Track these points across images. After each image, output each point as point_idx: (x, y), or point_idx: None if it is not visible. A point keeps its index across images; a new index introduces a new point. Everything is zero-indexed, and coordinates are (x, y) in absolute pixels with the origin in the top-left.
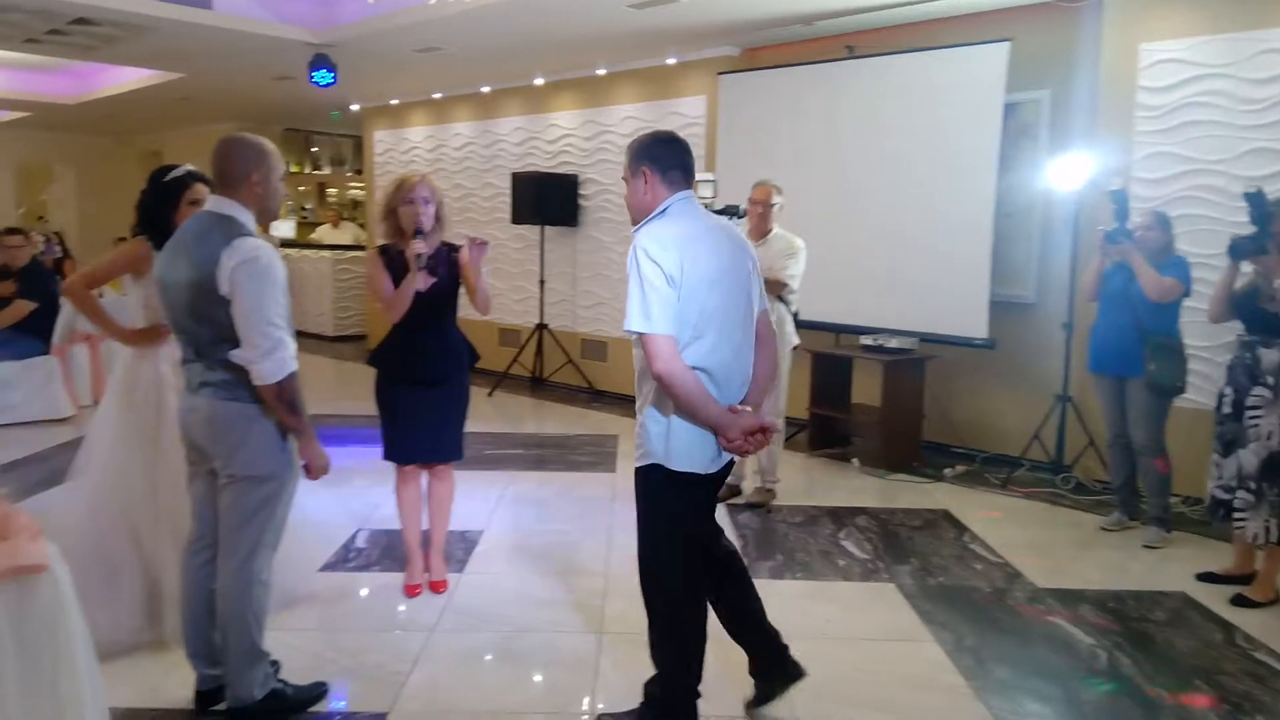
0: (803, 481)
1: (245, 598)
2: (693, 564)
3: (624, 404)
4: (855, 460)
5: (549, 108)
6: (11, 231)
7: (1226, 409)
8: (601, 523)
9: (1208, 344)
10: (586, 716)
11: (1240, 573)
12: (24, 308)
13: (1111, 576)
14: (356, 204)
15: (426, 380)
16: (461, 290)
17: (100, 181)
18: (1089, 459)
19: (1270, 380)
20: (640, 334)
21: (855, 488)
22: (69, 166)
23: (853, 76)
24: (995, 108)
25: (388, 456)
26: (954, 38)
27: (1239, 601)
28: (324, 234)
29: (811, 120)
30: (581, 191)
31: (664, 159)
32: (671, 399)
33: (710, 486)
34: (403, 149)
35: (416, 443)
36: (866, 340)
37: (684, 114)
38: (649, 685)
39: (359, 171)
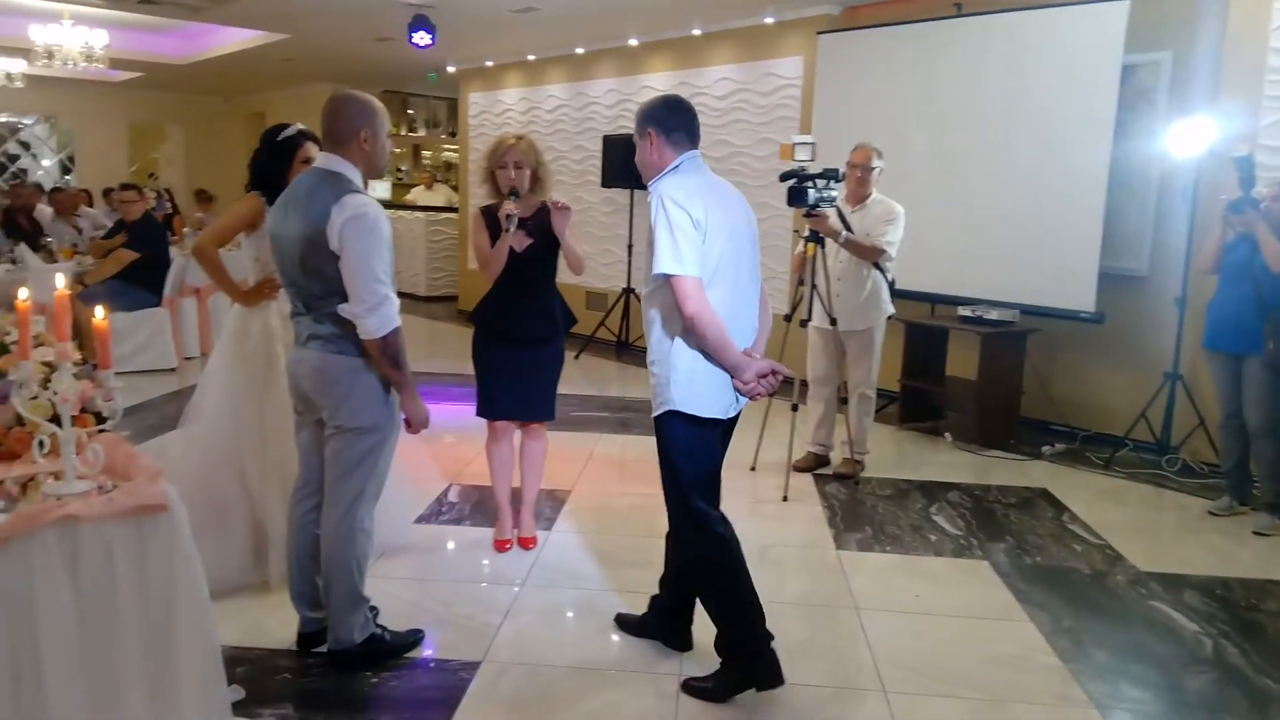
0: (892, 454)
1: (348, 544)
2: (717, 506)
3: None
4: (948, 435)
5: (642, 69)
6: (126, 187)
7: None
8: None
9: None
10: (671, 677)
11: None
12: (125, 256)
13: (1219, 563)
14: (450, 166)
15: (520, 340)
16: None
17: (208, 140)
18: (1197, 440)
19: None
20: (672, 276)
21: (948, 462)
22: (178, 126)
23: (959, 35)
24: (1112, 70)
25: (480, 412)
26: None
27: None
28: (418, 195)
29: (913, 81)
30: None
31: (667, 121)
32: (698, 340)
33: (725, 432)
34: (496, 111)
35: (508, 400)
36: (964, 311)
37: (780, 75)
38: (719, 645)
39: (453, 134)
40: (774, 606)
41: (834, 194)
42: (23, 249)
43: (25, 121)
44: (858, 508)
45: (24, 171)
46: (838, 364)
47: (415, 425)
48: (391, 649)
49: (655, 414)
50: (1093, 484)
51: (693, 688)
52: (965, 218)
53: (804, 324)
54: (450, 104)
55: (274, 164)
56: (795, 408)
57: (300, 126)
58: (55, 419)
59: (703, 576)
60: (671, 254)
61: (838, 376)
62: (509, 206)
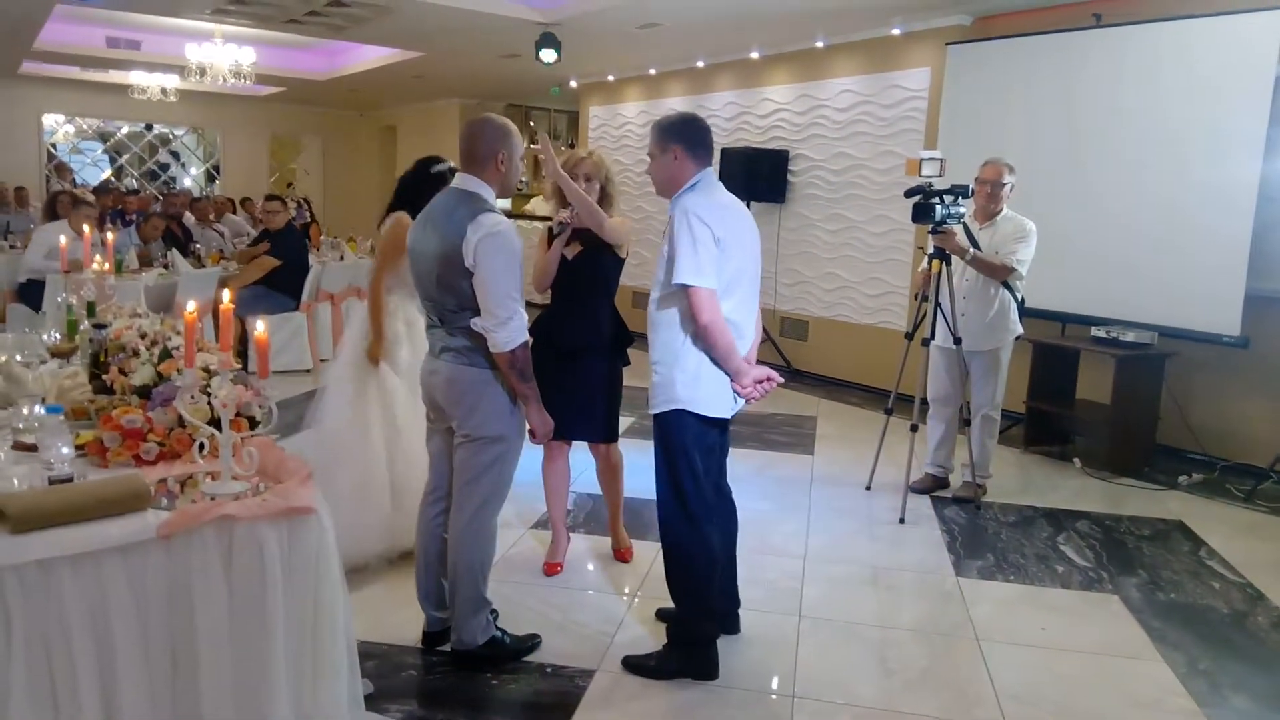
0: (1016, 479)
1: (474, 549)
2: (708, 500)
3: (824, 385)
4: (1077, 460)
5: (762, 81)
6: (271, 198)
7: None
8: (799, 504)
9: None
10: (786, 699)
11: None
12: (268, 263)
13: None
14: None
15: (565, 351)
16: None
17: (342, 152)
18: None
19: None
20: (690, 286)
21: (1076, 489)
22: (315, 137)
23: (1097, 47)
24: (1264, 83)
25: None
26: (1219, 4)
27: None
28: (537, 205)
29: (1047, 95)
30: (791, 167)
31: (692, 138)
32: (708, 347)
33: (724, 431)
34: (616, 124)
35: (556, 417)
36: (1098, 332)
37: (905, 87)
38: (673, 630)
39: (572, 145)
40: (890, 632)
41: (962, 210)
42: (175, 255)
43: (176, 132)
44: (979, 533)
45: (174, 179)
46: (960, 384)
47: (539, 436)
48: (511, 652)
49: (657, 410)
50: (1232, 518)
51: (635, 664)
52: (1101, 235)
53: (925, 343)
54: (571, 116)
55: (422, 189)
56: (914, 428)
57: (451, 164)
58: (214, 422)
59: (682, 566)
60: (693, 266)
61: (960, 397)
62: (563, 214)
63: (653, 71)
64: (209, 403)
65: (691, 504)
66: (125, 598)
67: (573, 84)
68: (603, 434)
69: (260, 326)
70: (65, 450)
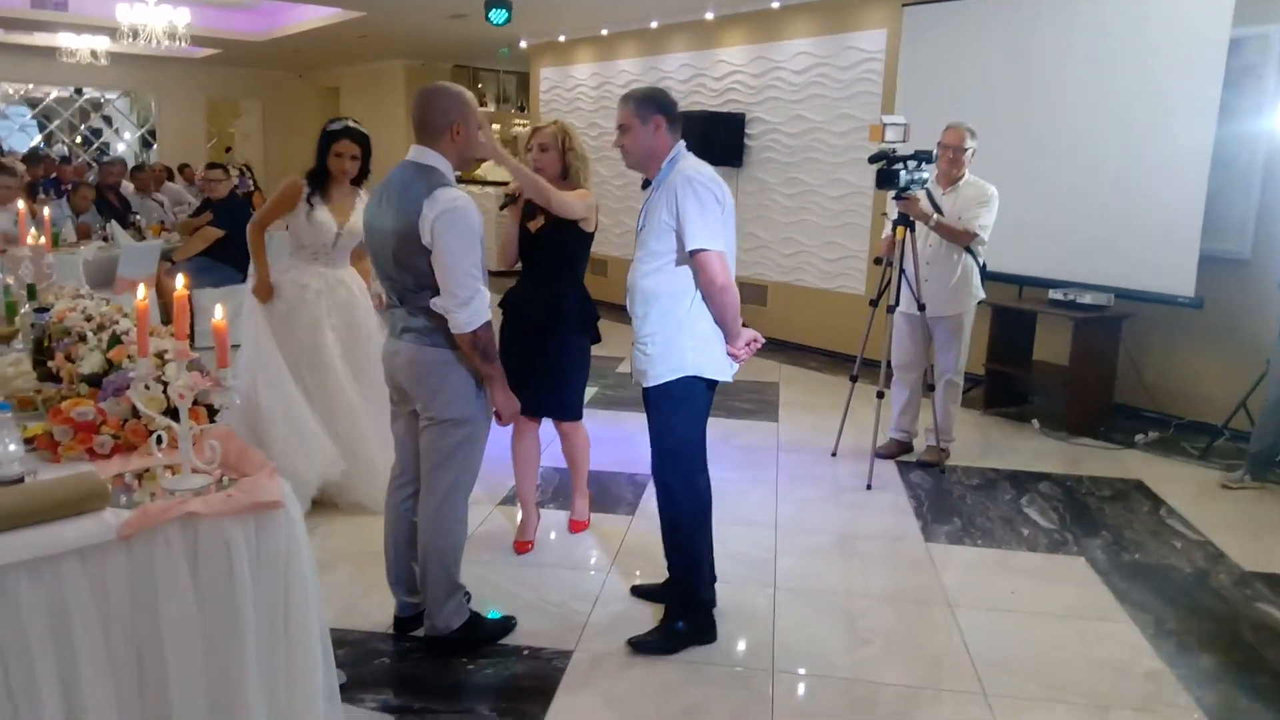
0: (978, 441)
1: (445, 534)
2: (702, 459)
3: (784, 351)
4: (1035, 421)
5: (717, 43)
6: (212, 166)
7: None
8: (767, 474)
9: None
10: (765, 673)
11: None
12: (211, 234)
13: None
14: (519, 140)
15: (525, 326)
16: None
17: (283, 116)
18: None
19: None
20: (704, 251)
21: (1036, 450)
22: (255, 101)
23: (1048, 9)
24: (1218, 45)
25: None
26: None
27: None
28: (487, 170)
29: (1001, 58)
30: (747, 131)
31: (671, 110)
32: (720, 310)
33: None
34: (568, 86)
35: (524, 395)
36: (1055, 295)
37: (861, 48)
38: (676, 599)
39: (523, 108)
40: (862, 601)
41: (925, 176)
42: (114, 226)
43: (108, 96)
44: (945, 498)
45: (107, 146)
46: (924, 350)
47: (505, 417)
48: (486, 635)
49: (661, 380)
50: (1189, 475)
51: (643, 643)
52: (1057, 198)
53: (891, 309)
54: (521, 78)
55: (318, 151)
56: (881, 395)
57: (349, 122)
58: (170, 412)
59: (684, 531)
60: (704, 230)
61: (923, 362)
62: (512, 185)
63: (605, 32)
64: (164, 392)
65: (698, 471)
66: (86, 602)
67: (522, 45)
68: (568, 412)
69: (219, 313)
70: (14, 448)
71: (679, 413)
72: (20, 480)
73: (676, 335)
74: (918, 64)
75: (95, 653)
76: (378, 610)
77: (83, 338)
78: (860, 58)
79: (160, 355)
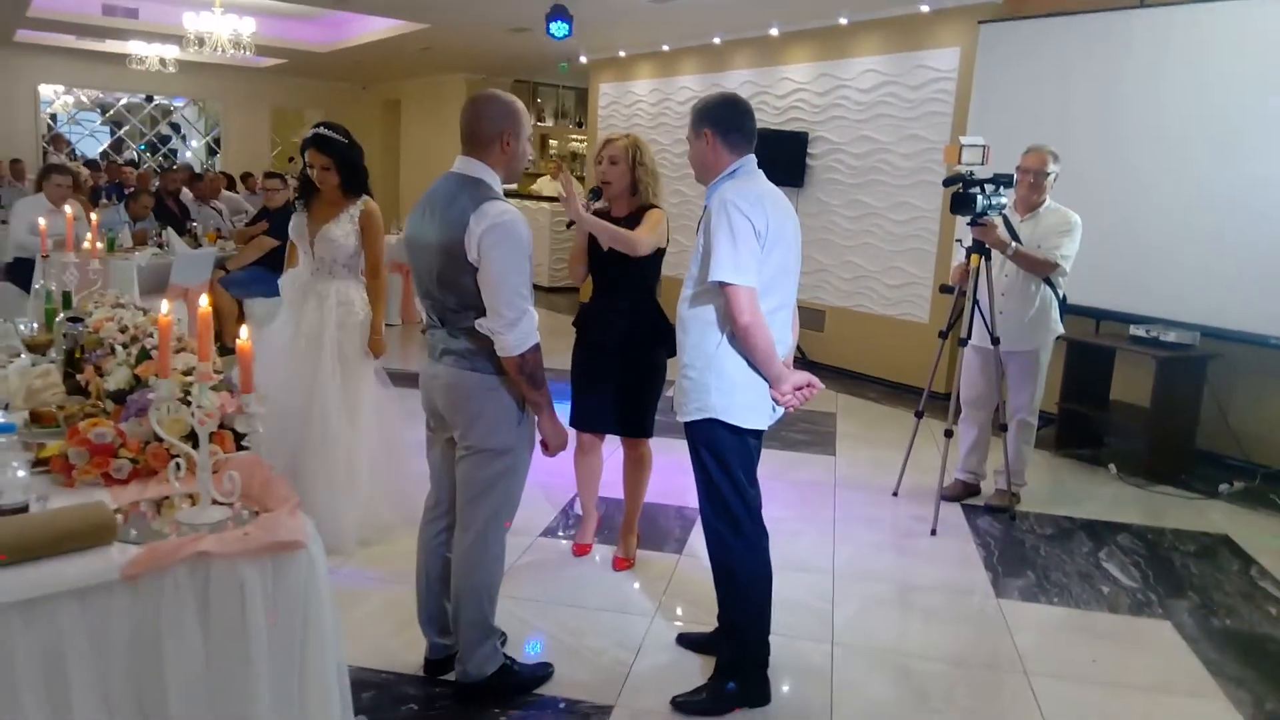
0: (1049, 485)
1: (479, 572)
2: (755, 511)
3: (841, 379)
4: (1112, 466)
5: (781, 60)
6: (271, 175)
7: None
8: (824, 513)
9: None
10: None
11: None
12: (266, 244)
13: None
14: (576, 156)
15: (598, 343)
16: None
17: (346, 126)
18: None
19: None
20: (729, 284)
21: (1114, 498)
22: (318, 112)
23: (1141, 27)
24: None
25: (569, 421)
26: None
27: None
28: (543, 185)
29: (1086, 78)
30: (810, 150)
31: (726, 122)
32: (747, 350)
33: (759, 440)
34: (627, 102)
35: (591, 409)
36: (1137, 331)
37: (933, 67)
38: (726, 656)
39: (580, 124)
40: (928, 663)
41: (1004, 201)
42: (170, 234)
43: (176, 104)
44: (1017, 548)
45: (174, 152)
46: (996, 386)
47: (553, 448)
48: (520, 683)
49: (688, 419)
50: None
51: (689, 704)
52: (1142, 228)
53: (962, 342)
54: (579, 94)
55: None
56: (949, 433)
57: (319, 130)
58: (194, 435)
59: (733, 581)
60: (732, 262)
61: (995, 399)
62: (581, 200)
63: (666, 48)
64: (187, 417)
65: (740, 519)
66: (83, 646)
67: (582, 60)
68: (633, 428)
69: (244, 334)
70: (20, 474)
71: (706, 459)
72: (24, 509)
73: (705, 371)
74: (993, 84)
75: (91, 698)
76: (407, 650)
77: (114, 350)
78: (931, 76)
79: (188, 372)
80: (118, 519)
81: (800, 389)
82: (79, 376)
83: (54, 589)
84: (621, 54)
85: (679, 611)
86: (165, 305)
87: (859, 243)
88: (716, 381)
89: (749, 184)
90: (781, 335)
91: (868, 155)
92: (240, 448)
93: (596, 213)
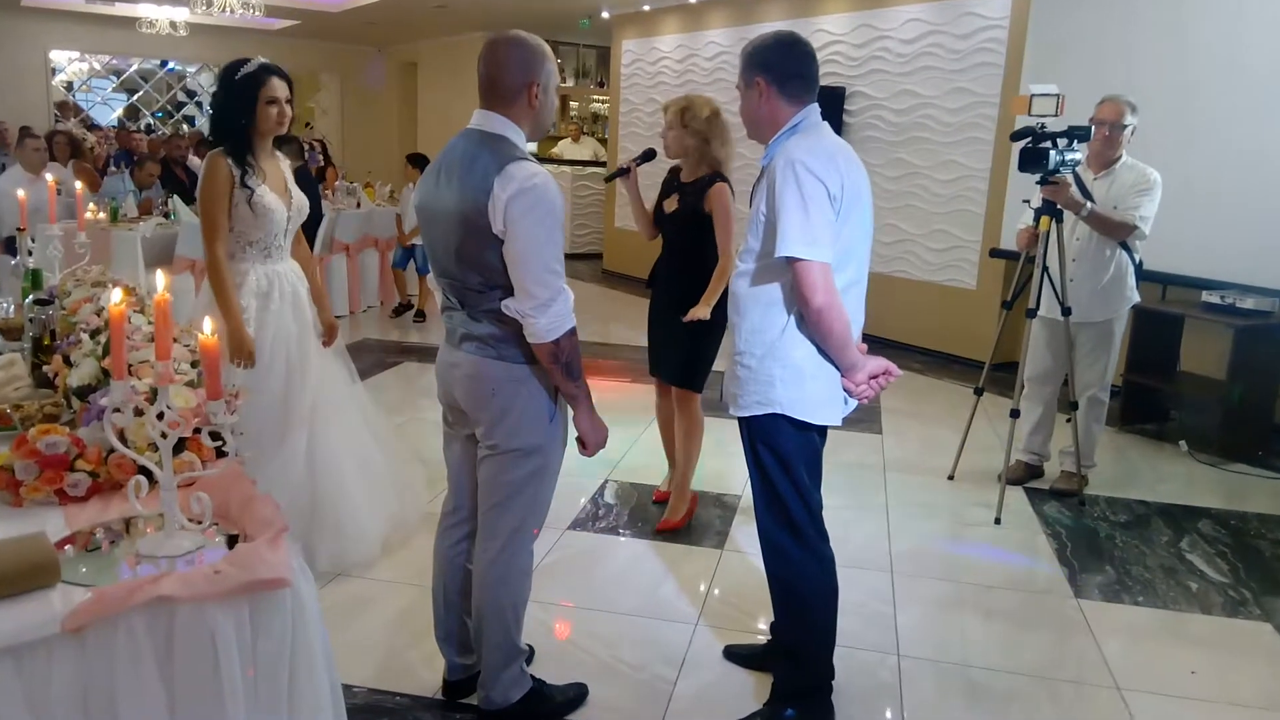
0: (1118, 465)
1: (504, 588)
2: (819, 516)
3: (882, 348)
4: (1183, 442)
5: (816, 10)
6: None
7: None
8: (875, 499)
9: None
10: None
11: None
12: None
13: None
14: (598, 118)
15: (662, 300)
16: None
17: (362, 91)
18: None
19: None
20: (801, 260)
21: (1188, 478)
22: (333, 75)
23: None
24: None
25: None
26: None
27: None
28: (564, 148)
29: (1154, 18)
30: (847, 107)
31: (782, 67)
32: (821, 335)
33: (825, 437)
34: (651, 59)
35: (655, 358)
36: (1210, 297)
37: (982, 14)
38: (785, 676)
39: (602, 84)
40: (1009, 678)
41: (1078, 157)
42: (176, 202)
43: (189, 70)
44: (1091, 538)
45: (190, 119)
46: (1064, 360)
47: (591, 446)
48: (552, 709)
49: (747, 413)
50: None
51: None
52: (1217, 186)
53: (1031, 314)
54: (600, 52)
55: (235, 107)
56: (1015, 413)
57: (262, 60)
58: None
59: (799, 600)
60: (803, 234)
61: (1062, 374)
62: (624, 162)
63: (693, 0)
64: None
65: (801, 524)
66: (20, 712)
67: (604, 15)
68: (681, 379)
69: (207, 326)
70: None
71: (766, 458)
72: None
73: (766, 359)
74: (1049, 33)
75: None
76: (425, 668)
77: (93, 334)
78: (979, 24)
79: (192, 365)
80: (65, 554)
81: (876, 377)
82: (46, 368)
83: None
84: (646, 8)
85: (725, 617)
86: (161, 281)
87: (901, 205)
88: (781, 372)
89: (818, 139)
90: (855, 315)
91: (910, 111)
92: (220, 454)
93: (664, 183)
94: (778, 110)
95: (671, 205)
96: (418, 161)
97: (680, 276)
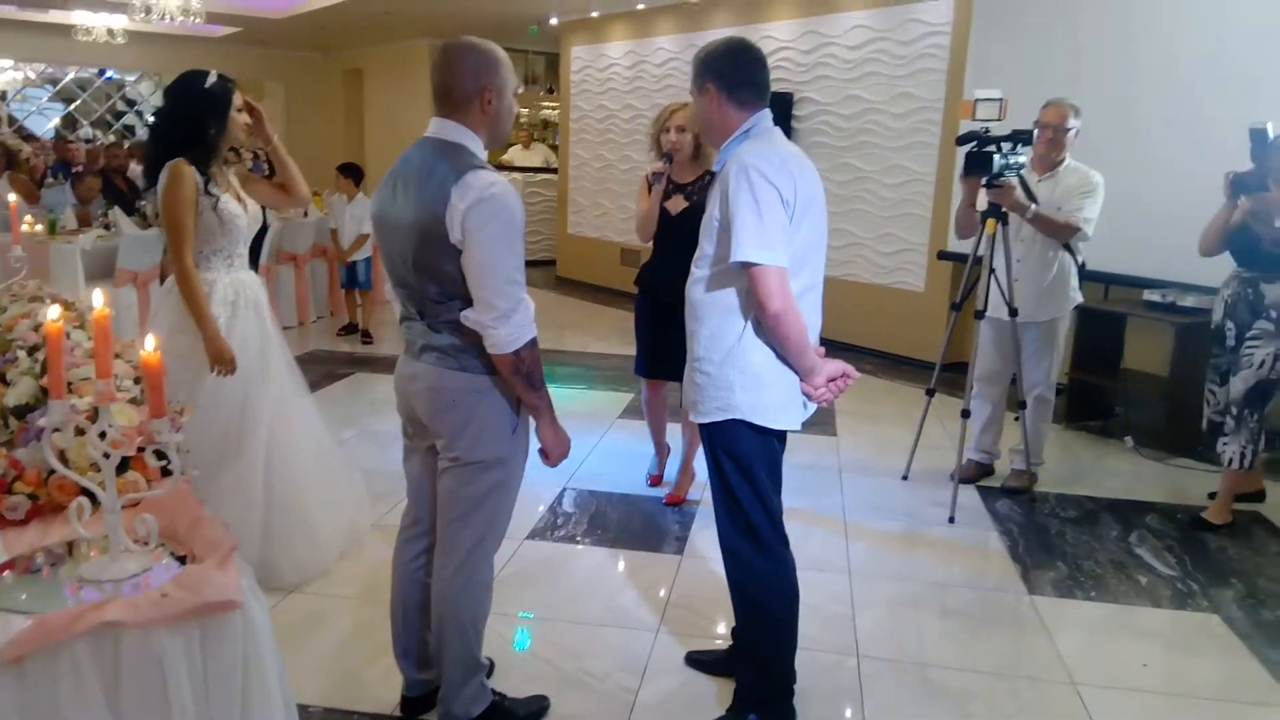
0: (1066, 461)
1: (465, 602)
2: (779, 521)
3: (834, 351)
4: (1129, 439)
5: (764, 17)
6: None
7: (1230, 342)
8: (832, 501)
9: None
10: None
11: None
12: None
13: None
14: (548, 124)
15: (662, 302)
16: None
17: (307, 98)
18: None
19: (1273, 314)
20: (755, 265)
21: (1134, 474)
22: (278, 83)
23: None
24: None
25: (635, 369)
26: None
27: (1199, 525)
28: (515, 155)
29: (1094, 28)
30: (795, 112)
31: (731, 74)
32: (778, 341)
33: (784, 443)
34: (600, 65)
35: (654, 359)
36: (1152, 296)
37: (925, 21)
38: (747, 682)
39: (551, 90)
40: (968, 676)
41: (1022, 160)
42: (117, 213)
43: (129, 78)
44: (1042, 535)
45: (130, 129)
46: (1012, 360)
47: (554, 457)
48: None
49: (707, 419)
50: None
51: None
52: (1155, 187)
53: (979, 315)
54: (549, 58)
55: (206, 117)
56: (966, 413)
57: (219, 72)
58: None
59: (761, 606)
60: (757, 239)
61: (1009, 374)
62: (657, 165)
63: (641, 6)
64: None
65: (761, 531)
66: None
67: (553, 21)
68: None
69: (150, 343)
70: None
71: (725, 464)
72: None
73: (724, 366)
74: (992, 39)
75: None
76: (382, 684)
77: (31, 352)
78: (923, 30)
79: (135, 382)
80: (3, 580)
81: (834, 380)
82: None
83: None
84: (594, 14)
85: (685, 623)
86: (98, 297)
87: (849, 209)
88: (740, 378)
89: (769, 145)
90: (812, 320)
91: (857, 116)
92: (165, 473)
93: (668, 185)
94: (728, 116)
95: (678, 205)
96: (350, 171)
97: (677, 276)
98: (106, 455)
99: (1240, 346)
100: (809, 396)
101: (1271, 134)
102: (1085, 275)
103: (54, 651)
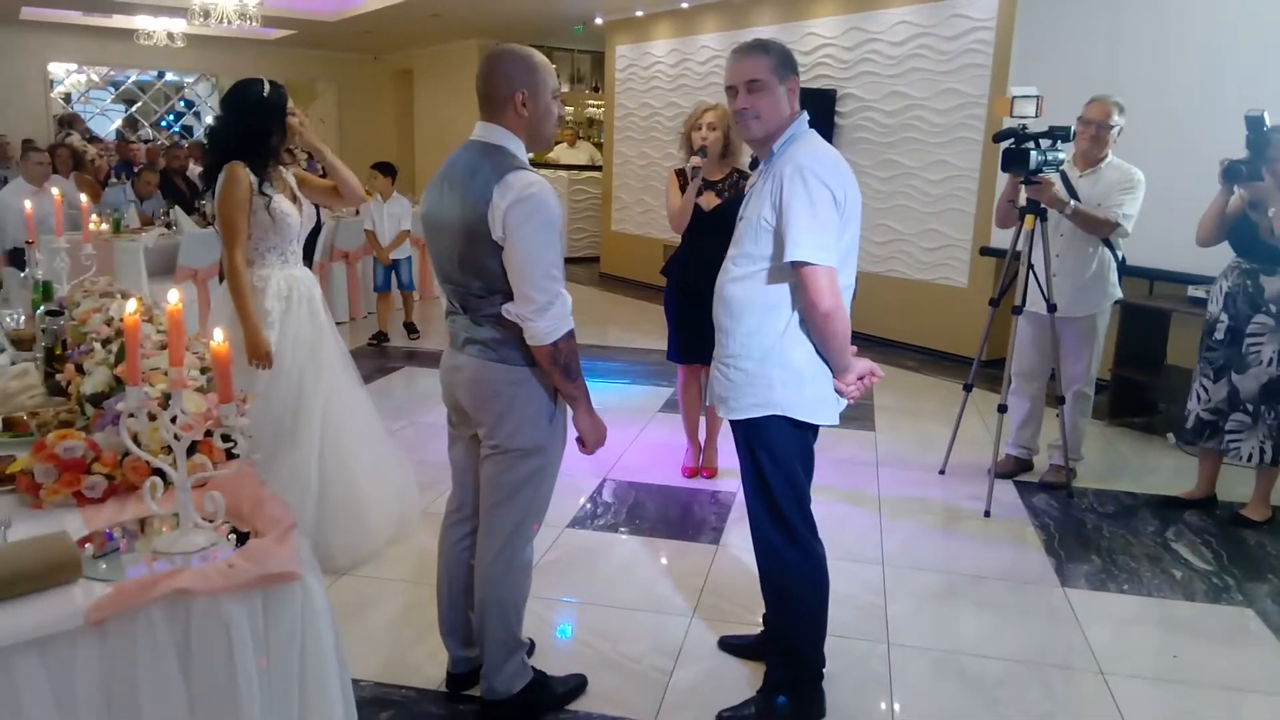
0: (1106, 457)
1: (505, 583)
2: (809, 513)
3: (875, 347)
4: (1170, 435)
5: (807, 14)
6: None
7: (1220, 335)
8: (868, 493)
9: None
10: None
11: (1202, 496)
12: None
13: None
14: (593, 122)
15: (693, 294)
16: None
17: (358, 99)
18: None
19: (1273, 308)
20: (808, 265)
21: (1175, 470)
22: (330, 84)
23: None
24: None
25: (669, 356)
26: None
27: (1239, 522)
28: (560, 153)
29: (1138, 24)
30: (838, 109)
31: (797, 71)
32: (824, 339)
33: (816, 436)
34: (645, 64)
35: (687, 345)
36: (1196, 292)
37: (970, 16)
38: (779, 669)
39: (596, 89)
40: (997, 664)
41: (1061, 157)
42: (177, 212)
43: (188, 80)
44: (1078, 529)
45: (189, 129)
46: (1050, 355)
47: (590, 445)
48: (552, 699)
49: (744, 416)
50: None
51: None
52: (1199, 182)
53: (1017, 310)
54: (594, 57)
55: (269, 122)
56: (1003, 408)
57: (270, 79)
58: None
59: (791, 594)
60: (813, 239)
61: (1048, 369)
62: (694, 160)
63: (685, 5)
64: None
65: (793, 522)
66: (46, 702)
67: (598, 21)
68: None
69: (219, 336)
70: None
71: (763, 459)
72: None
73: (764, 363)
74: (1036, 35)
75: None
76: (429, 663)
77: (105, 343)
78: (968, 26)
79: (201, 372)
80: (85, 551)
81: (863, 378)
82: (58, 377)
83: (8, 640)
84: (639, 13)
85: (719, 610)
86: (174, 294)
87: (892, 205)
88: (781, 374)
89: (821, 147)
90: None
91: (900, 112)
92: (231, 456)
93: (696, 173)
94: (793, 113)
95: (711, 201)
96: (385, 169)
97: (707, 268)
98: (177, 438)
99: (1234, 340)
100: (840, 393)
101: (1268, 121)
102: (1128, 271)
103: (132, 615)
